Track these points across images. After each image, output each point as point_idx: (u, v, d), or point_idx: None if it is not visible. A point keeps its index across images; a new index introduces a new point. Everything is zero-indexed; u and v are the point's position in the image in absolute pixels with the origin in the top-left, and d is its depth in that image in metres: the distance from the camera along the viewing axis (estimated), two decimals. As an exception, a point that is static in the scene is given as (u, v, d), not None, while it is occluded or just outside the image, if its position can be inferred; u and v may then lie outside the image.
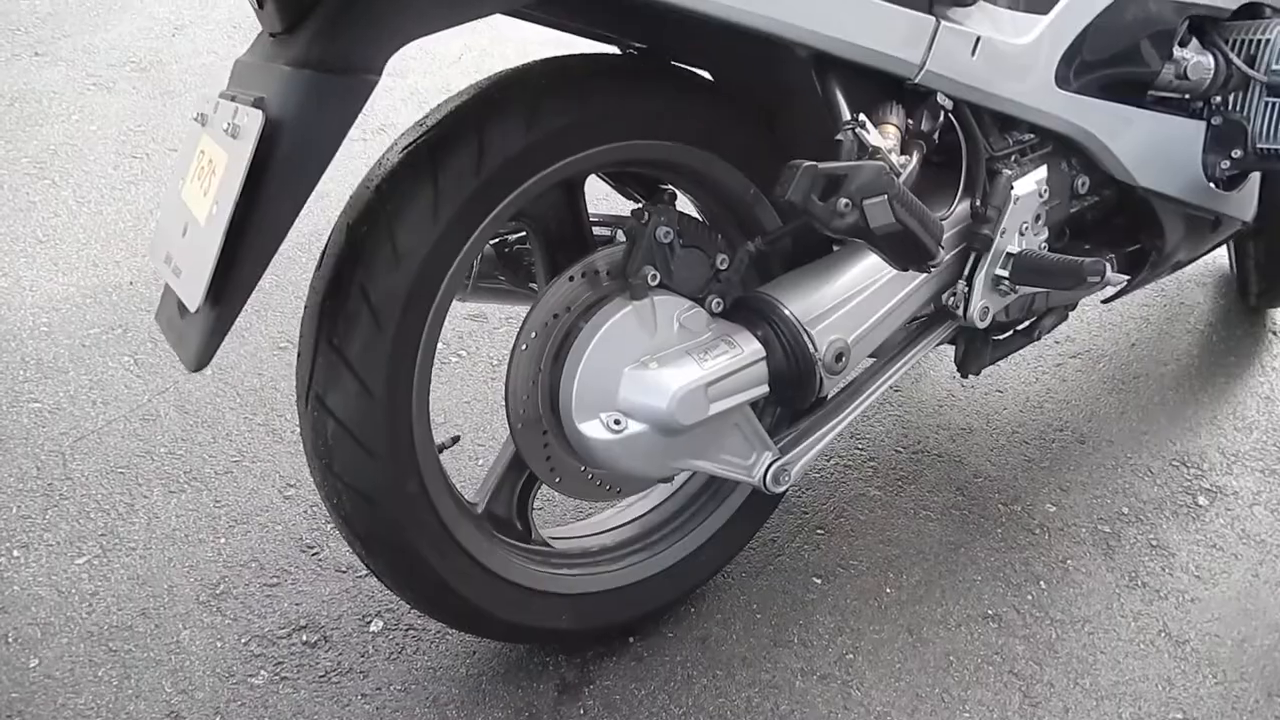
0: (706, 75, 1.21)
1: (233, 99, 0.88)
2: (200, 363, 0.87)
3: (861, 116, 1.04)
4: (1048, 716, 1.23)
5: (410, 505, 1.03)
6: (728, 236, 1.19)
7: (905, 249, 1.03)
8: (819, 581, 1.40)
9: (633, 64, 1.17)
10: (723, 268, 1.15)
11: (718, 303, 1.14)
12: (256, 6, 0.89)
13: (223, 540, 1.41)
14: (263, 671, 1.23)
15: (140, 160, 2.41)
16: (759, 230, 1.20)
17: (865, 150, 1.02)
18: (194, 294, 0.84)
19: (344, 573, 1.37)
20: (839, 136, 1.03)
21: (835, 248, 1.23)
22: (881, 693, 1.25)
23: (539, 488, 1.21)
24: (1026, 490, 1.58)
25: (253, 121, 0.82)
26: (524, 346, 1.08)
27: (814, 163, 0.97)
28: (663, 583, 1.26)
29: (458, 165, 0.96)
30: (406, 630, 1.29)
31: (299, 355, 1.01)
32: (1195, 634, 1.35)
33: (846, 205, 0.99)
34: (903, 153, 1.09)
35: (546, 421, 1.11)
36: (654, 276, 1.09)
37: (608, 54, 1.17)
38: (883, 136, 1.05)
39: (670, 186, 1.23)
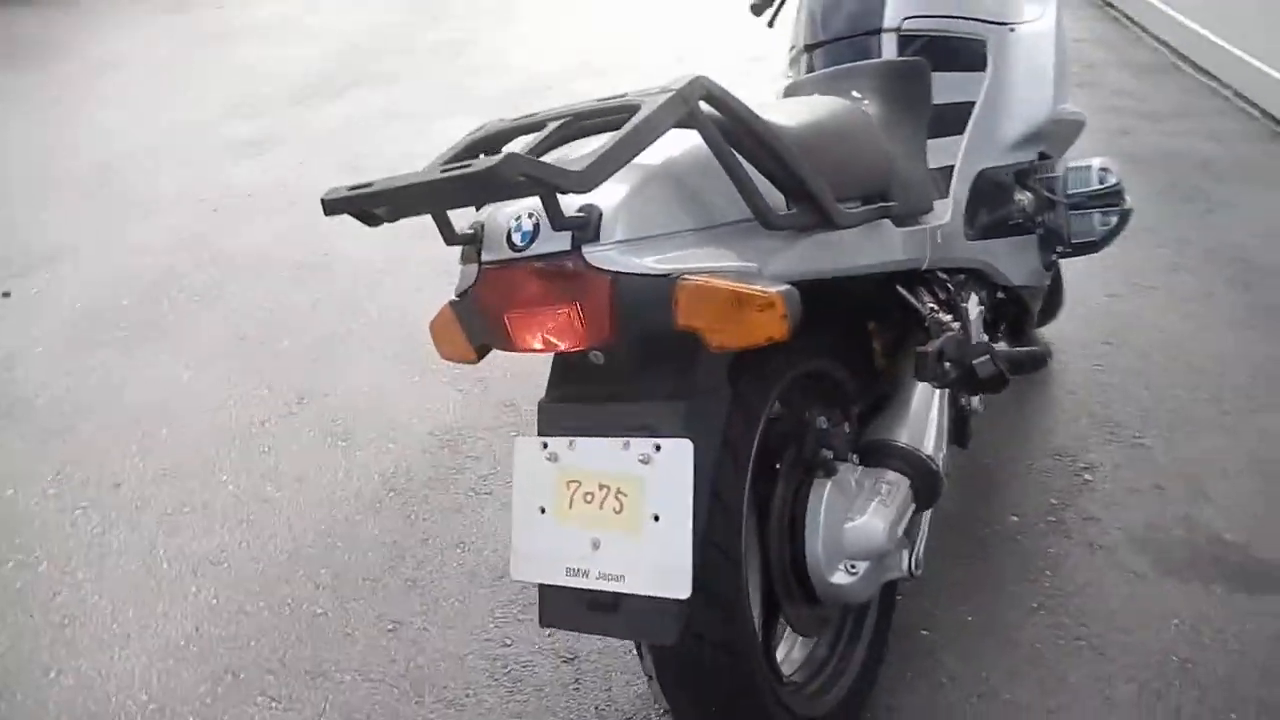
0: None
1: (613, 436, 1.14)
2: (679, 635, 1.12)
3: (931, 303, 1.53)
4: (1117, 656, 1.76)
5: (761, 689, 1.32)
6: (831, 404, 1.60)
7: (990, 383, 1.53)
8: (927, 633, 1.84)
9: None
10: (848, 431, 1.57)
11: (856, 457, 1.56)
12: (597, 361, 1.17)
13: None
14: None
15: (172, 516, 2.30)
16: (843, 392, 1.62)
17: (941, 326, 1.51)
18: (679, 585, 1.09)
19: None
20: (926, 324, 1.51)
21: None
22: (1021, 690, 1.71)
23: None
24: (991, 512, 2.15)
25: (682, 449, 1.10)
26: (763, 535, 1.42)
27: (926, 350, 1.44)
28: (866, 670, 1.64)
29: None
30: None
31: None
32: (1147, 563, 1.97)
33: (949, 366, 1.47)
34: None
35: (791, 583, 1.44)
36: (830, 454, 1.49)
37: None
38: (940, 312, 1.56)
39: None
